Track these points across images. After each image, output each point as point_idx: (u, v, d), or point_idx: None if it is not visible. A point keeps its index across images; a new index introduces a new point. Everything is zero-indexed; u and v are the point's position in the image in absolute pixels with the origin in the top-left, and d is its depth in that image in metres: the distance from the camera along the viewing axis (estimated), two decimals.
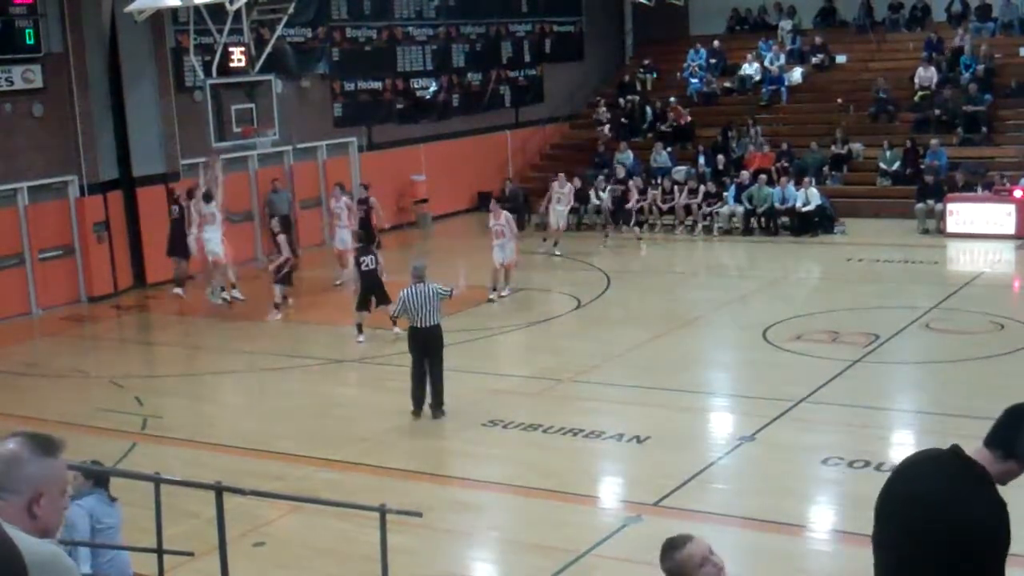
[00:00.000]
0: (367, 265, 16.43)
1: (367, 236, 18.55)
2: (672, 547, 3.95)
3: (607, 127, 29.11)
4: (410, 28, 27.19)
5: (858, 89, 28.08)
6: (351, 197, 21.73)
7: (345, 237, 20.43)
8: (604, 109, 29.55)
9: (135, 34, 20.84)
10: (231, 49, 19.72)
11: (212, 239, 18.87)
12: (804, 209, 23.32)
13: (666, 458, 11.38)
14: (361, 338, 16.38)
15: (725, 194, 24.63)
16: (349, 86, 25.72)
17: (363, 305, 16.41)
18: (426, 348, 12.78)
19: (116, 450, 12.18)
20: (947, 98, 26.17)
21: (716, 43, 30.70)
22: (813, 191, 23.53)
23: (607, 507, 10.70)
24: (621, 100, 30.26)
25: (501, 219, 18.75)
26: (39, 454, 2.90)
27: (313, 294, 20.50)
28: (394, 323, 15.67)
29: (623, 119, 29.54)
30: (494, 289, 18.78)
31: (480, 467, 11.64)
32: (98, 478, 7.25)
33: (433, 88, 27.54)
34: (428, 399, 12.88)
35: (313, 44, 24.93)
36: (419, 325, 12.73)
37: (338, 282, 20.54)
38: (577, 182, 24.46)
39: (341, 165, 25.67)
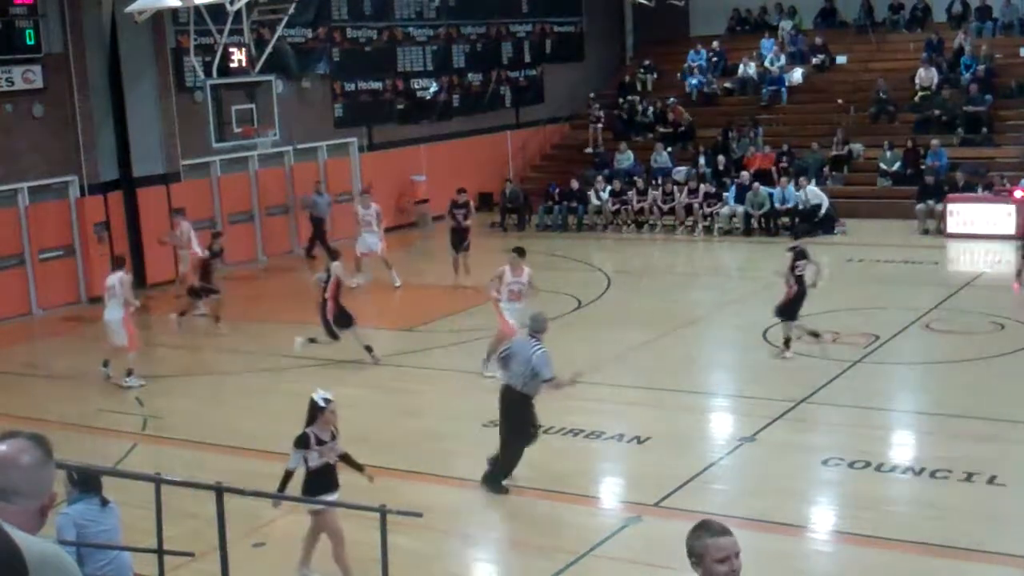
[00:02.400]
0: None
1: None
2: (706, 528, 3.98)
3: (599, 125, 29.19)
4: (410, 28, 27.20)
5: (858, 89, 28.08)
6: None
7: (370, 241, 20.32)
8: (597, 106, 29.61)
9: (135, 34, 20.84)
10: (231, 49, 19.72)
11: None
12: (811, 205, 23.30)
13: (666, 458, 11.38)
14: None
15: (725, 195, 24.64)
16: (349, 86, 25.72)
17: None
18: (501, 412, 10.89)
19: (116, 450, 12.19)
20: (947, 98, 26.17)
21: (716, 43, 30.71)
22: (817, 190, 23.53)
23: (607, 507, 10.70)
24: (620, 100, 30.29)
25: (523, 276, 14.58)
26: (47, 457, 2.89)
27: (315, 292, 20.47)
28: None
29: (624, 118, 29.56)
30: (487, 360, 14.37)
31: (480, 467, 11.61)
32: (86, 483, 7.19)
33: (433, 88, 27.54)
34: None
35: (313, 44, 24.93)
36: (507, 382, 10.82)
37: (353, 285, 20.27)
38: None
39: (341, 166, 25.69)
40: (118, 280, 14.90)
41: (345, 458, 8.88)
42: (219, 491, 7.14)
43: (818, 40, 29.76)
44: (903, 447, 11.89)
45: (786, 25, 30.69)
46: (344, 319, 15.34)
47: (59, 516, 6.95)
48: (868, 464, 10.83)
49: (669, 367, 14.87)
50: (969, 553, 8.95)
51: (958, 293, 17.87)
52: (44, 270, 20.22)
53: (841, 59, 29.58)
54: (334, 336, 15.38)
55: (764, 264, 19.97)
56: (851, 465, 10.83)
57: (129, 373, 14.73)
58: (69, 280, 20.59)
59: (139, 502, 7.69)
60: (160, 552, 7.16)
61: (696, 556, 3.90)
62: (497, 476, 10.73)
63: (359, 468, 8.97)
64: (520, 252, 14.63)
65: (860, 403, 12.68)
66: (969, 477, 10.31)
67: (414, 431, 12.77)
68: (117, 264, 15.68)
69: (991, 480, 10.22)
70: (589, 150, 29.05)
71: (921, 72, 27.04)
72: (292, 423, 13.23)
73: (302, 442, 8.64)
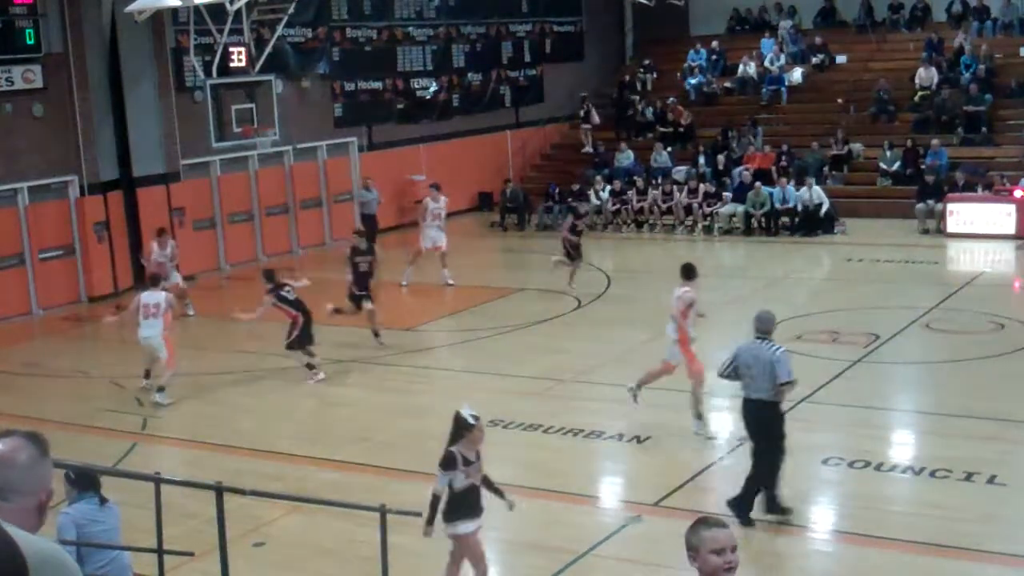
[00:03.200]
0: (363, 267, 16.49)
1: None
2: (703, 522, 4.02)
3: (589, 126, 29.26)
4: (410, 28, 27.20)
5: (858, 89, 28.08)
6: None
7: (435, 236, 20.03)
8: (588, 106, 29.64)
9: (135, 34, 20.84)
10: (231, 49, 19.73)
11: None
12: (812, 205, 23.31)
13: (666, 458, 11.38)
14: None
15: (725, 194, 24.64)
16: (349, 86, 25.72)
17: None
18: (749, 428, 9.97)
19: (116, 450, 12.18)
20: (947, 98, 26.17)
21: (716, 43, 30.71)
22: (818, 190, 23.56)
23: (607, 507, 10.70)
24: (615, 96, 30.32)
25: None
26: (43, 454, 2.90)
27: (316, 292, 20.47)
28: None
29: (620, 116, 29.60)
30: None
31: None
32: (85, 483, 7.20)
33: (433, 88, 27.54)
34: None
35: (313, 44, 24.93)
36: (748, 394, 9.83)
37: (404, 283, 20.13)
38: None
39: (341, 165, 25.69)
40: (165, 299, 14.57)
41: (485, 480, 8.23)
42: (219, 491, 7.14)
43: (818, 40, 29.75)
44: (903, 447, 11.89)
45: (786, 25, 30.69)
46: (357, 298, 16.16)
47: (59, 516, 6.95)
48: (868, 464, 10.83)
49: None
50: (969, 553, 8.95)
51: (958, 293, 17.87)
52: (44, 270, 20.21)
53: (841, 59, 29.58)
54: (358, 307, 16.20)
55: (764, 264, 20.03)
56: (851, 465, 10.83)
57: (160, 389, 14.26)
58: (69, 280, 20.59)
59: (139, 502, 7.70)
60: (160, 552, 7.17)
61: (693, 549, 3.94)
62: (748, 502, 9.60)
63: (499, 493, 8.31)
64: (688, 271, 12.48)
65: (860, 403, 12.68)
66: (969, 477, 10.31)
67: (414, 431, 12.76)
68: (153, 282, 15.35)
69: (991, 480, 10.22)
70: (588, 150, 29.05)
71: (921, 72, 27.04)
72: (292, 423, 13.29)
73: (449, 462, 7.96)
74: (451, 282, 20.17)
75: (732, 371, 9.88)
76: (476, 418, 8.03)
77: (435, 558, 9.52)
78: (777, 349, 9.65)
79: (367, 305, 16.22)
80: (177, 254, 18.90)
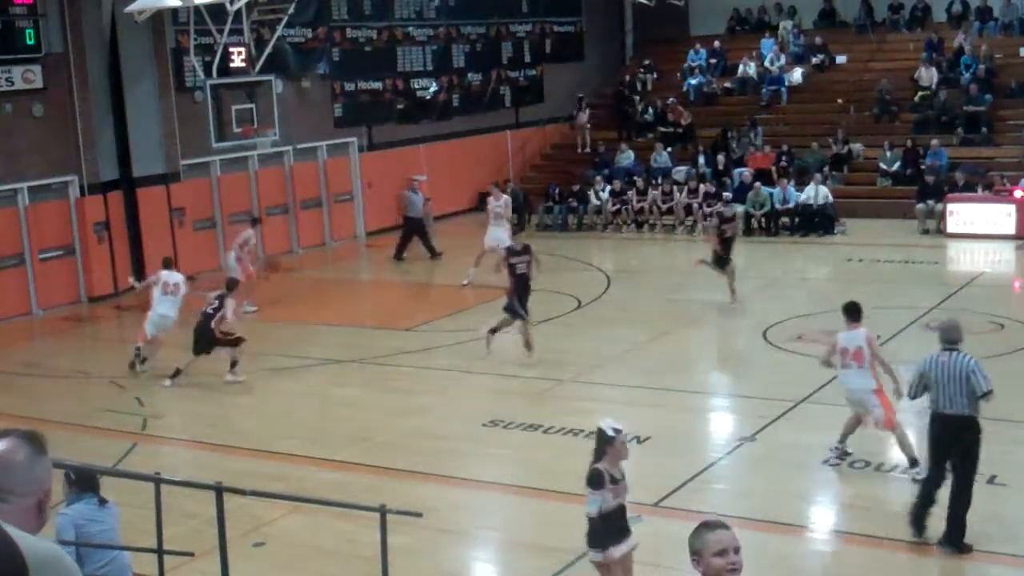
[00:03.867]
0: (520, 269, 15.11)
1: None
2: (705, 526, 4.02)
3: (588, 126, 29.31)
4: (410, 28, 27.20)
5: (858, 89, 28.09)
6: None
7: (499, 235, 19.74)
8: (583, 106, 29.68)
9: (135, 34, 20.83)
10: (231, 49, 19.74)
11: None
12: (812, 204, 23.31)
13: (666, 458, 11.38)
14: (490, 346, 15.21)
15: (725, 194, 24.62)
16: (349, 86, 25.72)
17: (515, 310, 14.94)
18: (951, 445, 9.14)
19: (116, 450, 12.18)
20: (947, 98, 26.17)
21: (716, 43, 30.72)
22: (824, 189, 23.57)
23: None
24: (615, 98, 30.36)
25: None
26: (39, 453, 2.90)
27: (316, 292, 20.48)
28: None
29: (621, 116, 29.63)
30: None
31: (480, 467, 11.63)
32: (84, 483, 7.20)
33: (433, 88, 27.54)
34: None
35: (313, 44, 24.93)
36: (942, 409, 9.10)
37: (465, 282, 19.91)
38: None
39: (341, 165, 25.69)
40: (184, 281, 15.66)
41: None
42: (219, 491, 7.14)
43: (818, 40, 29.76)
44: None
45: (786, 25, 30.70)
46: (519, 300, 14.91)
47: (58, 516, 6.95)
48: (868, 464, 10.83)
49: (669, 367, 14.87)
50: (969, 553, 8.94)
51: (958, 293, 17.86)
52: (44, 270, 20.21)
53: (841, 59, 29.59)
54: (518, 314, 14.86)
55: (764, 264, 20.02)
56: (851, 465, 10.83)
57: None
58: (69, 280, 20.59)
59: (139, 502, 7.69)
60: (160, 552, 7.17)
61: (696, 553, 3.94)
62: (960, 530, 9.01)
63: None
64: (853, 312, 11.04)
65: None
66: None
67: (414, 431, 12.77)
68: (166, 264, 16.06)
69: (991, 480, 10.22)
70: (588, 149, 29.11)
71: (921, 72, 27.04)
72: (292, 423, 13.29)
73: (597, 481, 7.35)
74: (465, 283, 19.85)
75: (922, 388, 9.26)
76: (617, 431, 7.48)
77: (435, 558, 9.53)
78: (970, 359, 9.04)
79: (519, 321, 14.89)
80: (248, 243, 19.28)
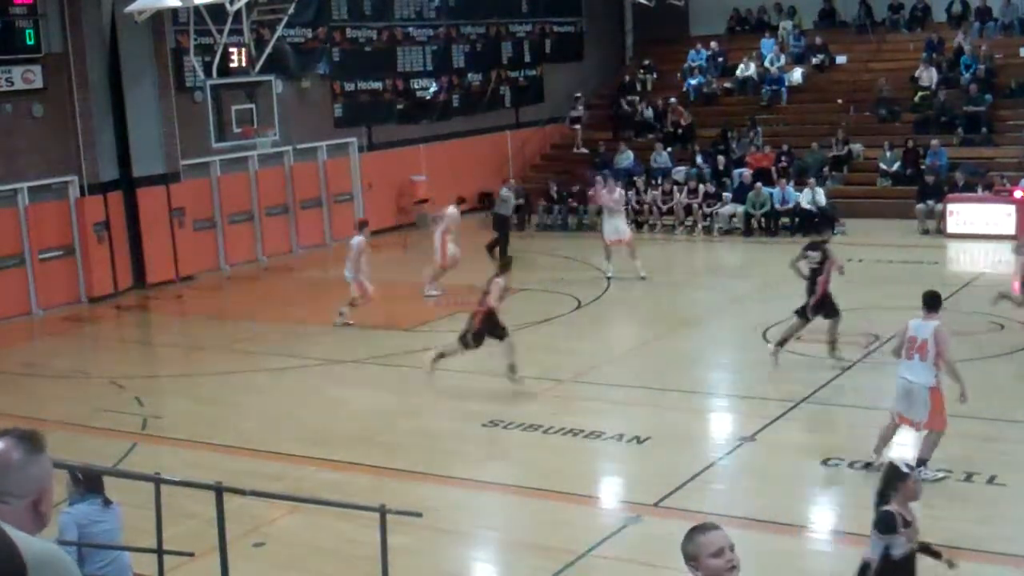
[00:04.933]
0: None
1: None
2: (696, 530, 4.02)
3: (579, 126, 29.32)
4: (410, 28, 27.20)
5: (858, 89, 28.09)
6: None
7: (620, 226, 19.84)
8: (581, 107, 29.67)
9: (135, 34, 20.83)
10: (231, 49, 19.74)
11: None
12: (809, 207, 23.31)
13: (666, 458, 11.38)
14: None
15: (725, 195, 24.65)
16: (349, 86, 25.72)
17: None
18: None
19: (116, 450, 12.18)
20: (947, 98, 26.17)
21: (715, 43, 30.72)
22: (819, 191, 23.57)
23: (607, 507, 10.69)
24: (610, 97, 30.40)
25: None
26: (35, 452, 2.89)
27: (316, 292, 20.46)
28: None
29: (617, 116, 29.69)
30: None
31: (480, 467, 11.63)
32: (90, 484, 7.20)
33: (433, 88, 27.54)
34: None
35: (313, 44, 24.93)
36: None
37: (609, 275, 19.90)
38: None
39: (341, 166, 25.69)
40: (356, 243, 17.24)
41: (924, 547, 6.82)
42: (219, 491, 7.14)
43: (818, 40, 29.76)
44: (903, 447, 11.87)
45: (786, 25, 30.70)
46: (826, 307, 14.10)
47: (61, 516, 6.95)
48: (868, 464, 10.82)
49: (669, 367, 14.87)
50: (969, 553, 8.94)
51: (958, 293, 17.85)
52: (44, 270, 20.21)
53: (841, 59, 29.59)
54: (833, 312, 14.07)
55: (764, 264, 20.02)
56: (851, 465, 10.82)
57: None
58: (69, 280, 20.59)
59: (139, 502, 7.69)
60: (160, 552, 7.16)
61: (692, 558, 3.93)
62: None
63: (936, 555, 6.95)
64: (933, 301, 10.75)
65: (860, 403, 12.67)
66: (969, 477, 10.31)
67: (414, 431, 12.77)
68: (361, 226, 17.79)
69: (991, 480, 10.22)
70: (583, 149, 29.19)
71: (921, 72, 27.04)
72: (292, 423, 13.28)
73: (889, 524, 6.45)
74: (644, 275, 19.65)
75: None
76: (911, 467, 6.90)
77: (435, 558, 9.53)
78: None
79: (812, 318, 13.89)
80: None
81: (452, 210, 19.82)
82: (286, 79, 23.56)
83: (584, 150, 29.16)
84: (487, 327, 13.68)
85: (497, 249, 22.09)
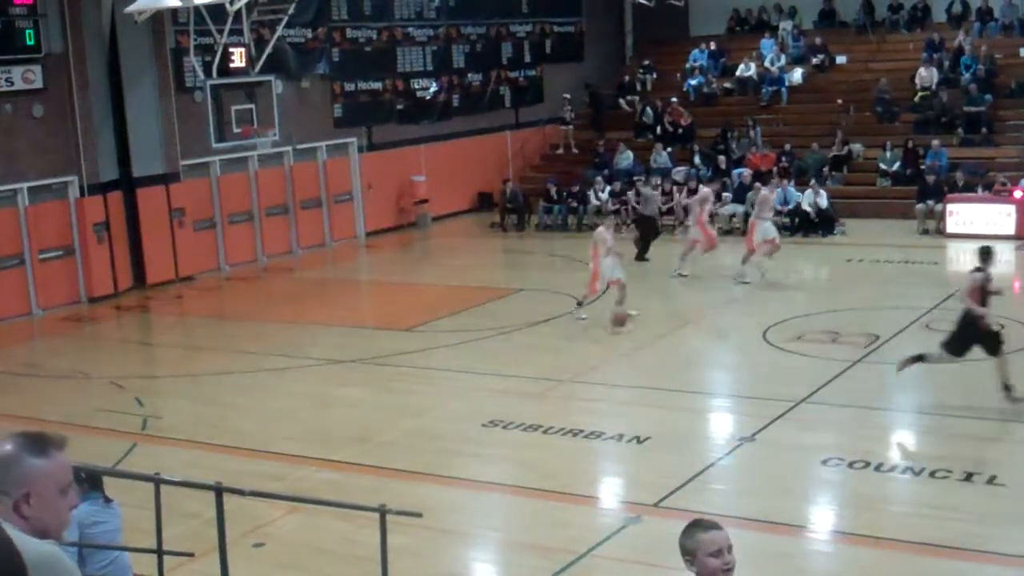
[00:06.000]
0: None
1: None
2: (697, 526, 4.01)
3: (571, 127, 29.36)
4: (410, 28, 27.19)
5: (858, 89, 28.08)
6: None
7: (770, 229, 19.77)
8: (569, 108, 29.71)
9: (135, 34, 20.84)
10: (231, 49, 19.73)
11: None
12: (809, 208, 23.30)
13: (666, 458, 11.38)
14: None
15: (725, 195, 24.63)
16: (349, 86, 25.72)
17: None
18: None
19: (116, 450, 12.18)
20: (947, 99, 26.17)
21: (713, 44, 30.72)
22: (822, 193, 23.57)
23: (607, 507, 10.69)
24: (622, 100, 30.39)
25: None
26: (30, 454, 2.90)
27: (316, 292, 20.47)
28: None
29: (596, 115, 29.82)
30: None
31: (480, 467, 11.63)
32: (91, 482, 7.20)
33: (433, 88, 27.53)
34: None
35: (313, 44, 24.92)
36: None
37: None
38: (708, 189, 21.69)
39: (341, 166, 25.69)
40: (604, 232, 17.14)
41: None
42: (219, 491, 7.13)
43: (818, 40, 29.76)
44: (903, 447, 11.89)
45: (786, 25, 30.70)
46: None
47: None
48: (868, 464, 10.82)
49: (669, 367, 14.87)
50: (969, 553, 8.95)
51: (958, 293, 17.84)
52: (44, 270, 20.21)
53: (841, 59, 29.59)
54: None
55: (764, 264, 19.99)
56: (851, 465, 10.82)
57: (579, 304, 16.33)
58: (69, 280, 20.59)
59: (139, 502, 7.69)
60: (160, 552, 7.16)
61: (689, 553, 3.93)
62: None
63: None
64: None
65: (860, 403, 12.67)
66: (969, 477, 10.30)
67: (414, 431, 12.77)
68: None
69: (991, 480, 10.22)
70: (574, 150, 29.28)
71: (921, 72, 27.04)
72: (292, 423, 13.28)
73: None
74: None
75: None
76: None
77: (435, 558, 9.53)
78: None
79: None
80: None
81: (705, 190, 20.60)
82: (286, 79, 23.55)
83: (576, 151, 29.19)
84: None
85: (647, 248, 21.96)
